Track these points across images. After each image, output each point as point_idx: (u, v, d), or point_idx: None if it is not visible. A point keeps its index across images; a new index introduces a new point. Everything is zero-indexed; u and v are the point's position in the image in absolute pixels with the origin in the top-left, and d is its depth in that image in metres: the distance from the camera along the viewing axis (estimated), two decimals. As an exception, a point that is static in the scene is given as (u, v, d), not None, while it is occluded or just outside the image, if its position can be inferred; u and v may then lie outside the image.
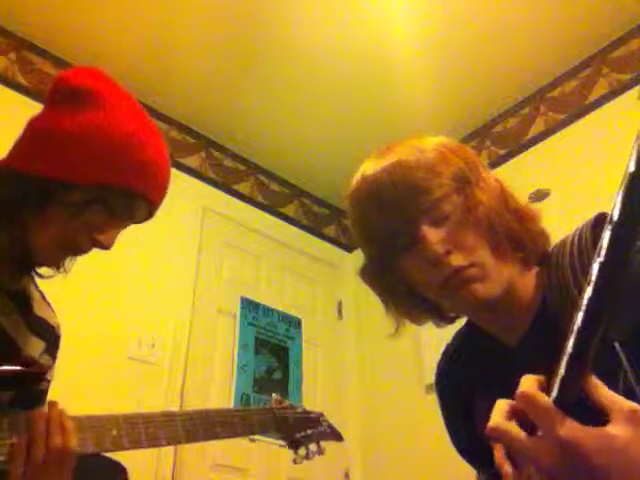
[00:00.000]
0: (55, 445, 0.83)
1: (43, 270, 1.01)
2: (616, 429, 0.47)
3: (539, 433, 0.50)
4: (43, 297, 1.08)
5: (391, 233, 0.82)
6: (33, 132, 0.96)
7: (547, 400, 0.49)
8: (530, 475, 0.51)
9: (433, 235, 0.78)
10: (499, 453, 0.55)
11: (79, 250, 0.98)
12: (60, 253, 0.97)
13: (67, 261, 1.01)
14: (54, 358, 1.06)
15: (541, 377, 0.52)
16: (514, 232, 0.82)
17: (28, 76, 2.61)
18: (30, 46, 2.66)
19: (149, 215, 1.03)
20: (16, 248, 0.95)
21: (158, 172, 0.98)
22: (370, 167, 0.85)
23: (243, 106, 2.99)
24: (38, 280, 1.06)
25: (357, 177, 0.87)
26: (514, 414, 0.53)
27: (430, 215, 0.80)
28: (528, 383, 0.52)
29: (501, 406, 0.54)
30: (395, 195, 0.80)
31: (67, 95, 0.96)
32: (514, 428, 0.51)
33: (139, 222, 1.03)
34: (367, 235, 0.87)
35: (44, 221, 0.93)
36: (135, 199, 0.97)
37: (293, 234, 3.44)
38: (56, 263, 0.99)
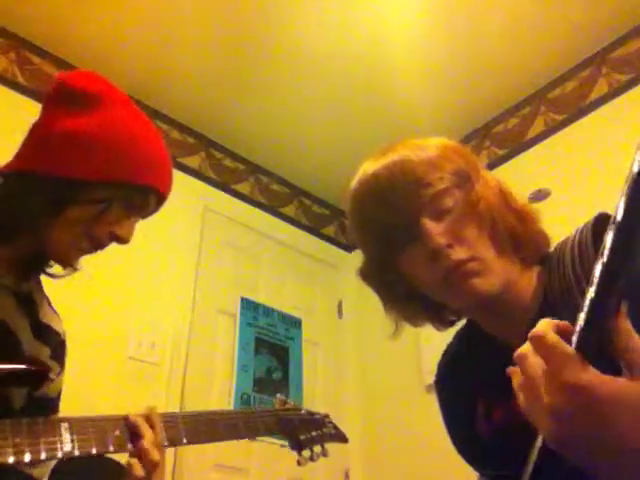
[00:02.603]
0: (162, 443, 0.94)
1: (55, 269, 1.03)
2: (636, 384, 0.44)
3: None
4: (49, 303, 1.08)
5: (392, 227, 0.81)
6: (48, 135, 0.97)
7: (558, 340, 0.46)
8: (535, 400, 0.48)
9: (434, 228, 0.79)
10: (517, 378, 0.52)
11: (99, 247, 1.01)
12: (81, 251, 1.00)
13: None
14: (62, 366, 1.06)
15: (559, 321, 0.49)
16: (514, 230, 0.82)
17: (28, 76, 2.61)
18: (30, 46, 2.66)
19: (156, 209, 1.07)
20: (33, 252, 0.97)
21: (166, 168, 1.05)
22: (371, 165, 0.85)
23: (243, 106, 2.99)
24: (43, 279, 1.06)
25: (357, 176, 0.87)
26: None
27: (431, 208, 0.80)
28: (543, 325, 0.49)
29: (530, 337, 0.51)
30: (396, 189, 0.81)
31: (74, 97, 0.98)
32: (535, 360, 0.48)
33: (147, 216, 1.07)
34: (367, 232, 0.86)
35: (66, 222, 0.95)
36: (149, 194, 1.02)
37: (293, 234, 3.44)
38: (74, 261, 1.01)
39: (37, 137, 0.99)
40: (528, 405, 0.49)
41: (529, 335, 0.49)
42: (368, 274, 0.92)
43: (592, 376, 0.44)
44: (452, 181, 0.81)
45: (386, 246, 0.84)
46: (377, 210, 0.82)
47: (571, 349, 0.46)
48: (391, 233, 0.82)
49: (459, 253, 0.78)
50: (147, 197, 1.02)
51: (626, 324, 0.46)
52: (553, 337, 0.47)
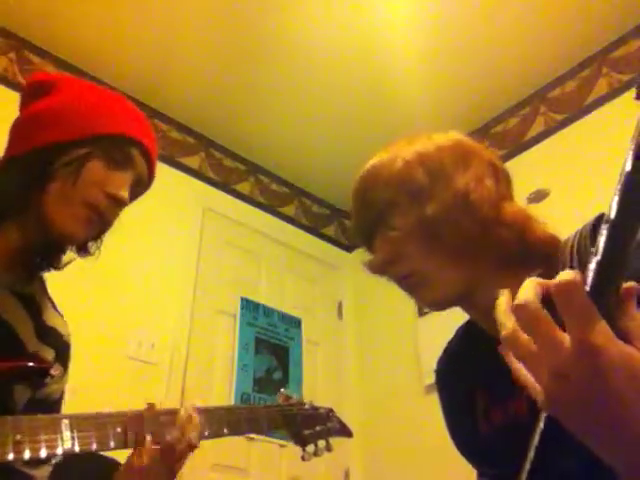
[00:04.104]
0: (193, 439, 0.94)
1: (68, 256, 1.02)
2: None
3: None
4: (54, 306, 1.07)
5: (358, 234, 0.93)
6: (20, 122, 1.02)
7: (587, 296, 0.42)
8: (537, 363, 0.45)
9: (380, 244, 0.88)
10: (511, 324, 0.46)
11: (100, 214, 0.98)
12: (85, 223, 0.97)
13: (91, 245, 1.04)
14: (65, 368, 1.05)
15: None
16: (478, 238, 0.83)
17: (28, 76, 2.61)
18: (30, 46, 2.66)
19: (149, 169, 1.05)
20: (41, 241, 0.96)
21: (142, 118, 1.06)
22: (363, 167, 0.93)
23: (243, 106, 2.99)
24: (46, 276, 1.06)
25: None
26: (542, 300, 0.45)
27: (382, 225, 0.88)
28: (570, 274, 0.43)
29: (532, 285, 0.47)
30: (357, 204, 0.92)
31: (35, 89, 1.05)
32: (544, 312, 0.44)
33: (143, 178, 1.04)
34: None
35: (55, 193, 0.94)
36: (129, 145, 1.01)
37: (293, 234, 3.44)
38: (83, 237, 0.99)
39: (10, 133, 1.03)
40: (527, 357, 0.45)
41: (558, 283, 0.43)
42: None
43: (623, 345, 0.42)
44: (404, 199, 0.86)
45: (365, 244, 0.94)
46: (352, 216, 0.94)
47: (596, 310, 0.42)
48: (359, 239, 0.94)
49: (397, 269, 0.86)
50: (128, 149, 1.00)
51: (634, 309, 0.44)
52: (585, 292, 0.42)
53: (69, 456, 0.87)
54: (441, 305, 0.87)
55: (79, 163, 0.95)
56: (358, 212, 0.92)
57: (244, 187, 3.30)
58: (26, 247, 0.97)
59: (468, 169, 0.87)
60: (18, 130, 1.01)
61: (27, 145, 0.97)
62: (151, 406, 0.96)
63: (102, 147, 0.98)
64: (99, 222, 0.99)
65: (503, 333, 0.46)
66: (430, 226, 0.83)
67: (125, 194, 0.99)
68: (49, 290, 1.08)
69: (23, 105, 1.06)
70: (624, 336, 0.43)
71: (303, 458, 1.17)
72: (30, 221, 0.95)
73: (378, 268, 0.89)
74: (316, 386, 3.09)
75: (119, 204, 0.99)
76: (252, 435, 2.59)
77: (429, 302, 0.87)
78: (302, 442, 1.18)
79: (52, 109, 0.99)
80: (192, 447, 0.95)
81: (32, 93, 1.04)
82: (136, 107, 1.09)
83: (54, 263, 1.02)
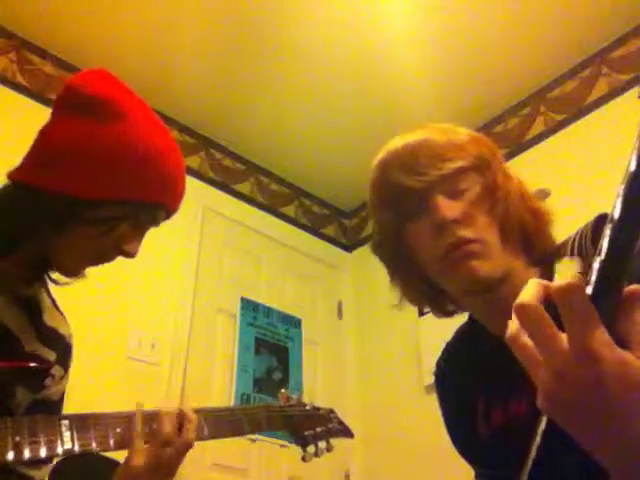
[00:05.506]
0: (189, 439, 0.95)
1: (57, 276, 1.01)
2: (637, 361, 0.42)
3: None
4: (55, 305, 1.07)
5: (408, 193, 0.83)
6: (56, 148, 0.92)
7: (589, 301, 0.42)
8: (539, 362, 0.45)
9: (445, 203, 0.81)
10: (515, 324, 0.47)
11: (106, 261, 0.99)
12: (86, 265, 0.99)
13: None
14: (66, 370, 1.05)
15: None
16: (527, 227, 0.83)
17: (28, 76, 2.61)
18: (30, 46, 2.66)
19: (166, 220, 1.04)
20: (35, 260, 0.96)
21: (180, 184, 1.01)
22: (399, 139, 0.88)
23: (243, 106, 2.99)
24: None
25: (385, 147, 0.89)
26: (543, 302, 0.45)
27: (447, 186, 0.82)
28: (573, 277, 0.43)
29: (535, 286, 0.47)
30: (418, 158, 0.83)
31: (84, 105, 0.92)
32: (543, 312, 0.44)
33: (157, 226, 1.04)
34: (385, 195, 0.88)
35: (71, 237, 0.92)
36: (160, 210, 0.99)
37: (293, 234, 3.44)
38: (80, 274, 1.00)
39: (47, 147, 0.93)
40: (527, 357, 0.46)
41: (560, 285, 0.43)
42: (378, 244, 0.92)
43: (620, 352, 0.42)
44: (473, 162, 0.83)
45: (399, 211, 0.85)
46: (398, 174, 0.84)
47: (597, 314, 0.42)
48: (406, 199, 0.84)
49: (464, 231, 0.79)
50: (157, 214, 0.99)
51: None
52: (586, 296, 0.42)
53: (69, 456, 0.87)
54: (492, 280, 0.79)
55: (112, 225, 0.93)
56: (412, 171, 0.83)
57: (244, 187, 3.30)
58: (24, 264, 0.97)
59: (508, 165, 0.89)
60: (58, 151, 0.91)
61: (65, 185, 0.89)
62: (139, 405, 0.96)
63: (135, 210, 0.95)
64: (100, 264, 1.00)
65: (507, 333, 0.47)
66: (496, 202, 0.82)
67: (138, 252, 0.99)
68: (51, 290, 1.08)
69: (69, 111, 0.93)
70: (623, 340, 0.43)
71: (304, 459, 1.17)
72: (39, 251, 0.95)
73: (442, 225, 0.79)
74: (316, 386, 3.09)
75: (129, 258, 0.99)
76: (253, 435, 2.59)
77: (483, 274, 0.78)
78: (303, 443, 1.18)
79: (103, 154, 0.90)
80: (188, 446, 0.95)
81: (85, 108, 0.92)
82: (178, 154, 1.03)
83: (49, 276, 1.02)
